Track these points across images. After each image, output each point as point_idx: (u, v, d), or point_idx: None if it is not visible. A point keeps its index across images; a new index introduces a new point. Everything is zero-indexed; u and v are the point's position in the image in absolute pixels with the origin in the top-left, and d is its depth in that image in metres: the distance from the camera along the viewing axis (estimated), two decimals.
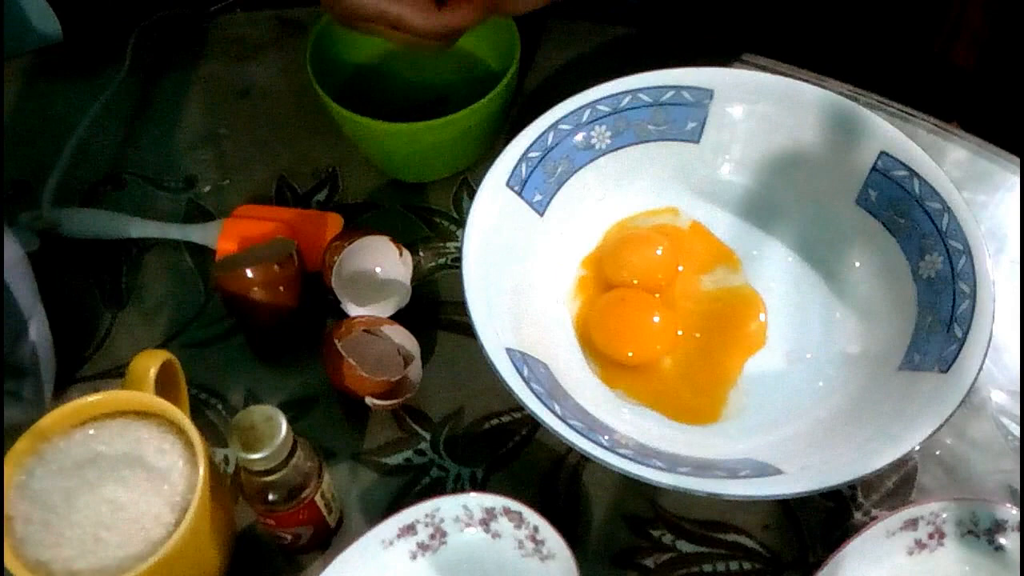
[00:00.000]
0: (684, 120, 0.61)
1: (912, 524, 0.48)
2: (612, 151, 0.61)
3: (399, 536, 0.49)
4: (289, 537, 0.50)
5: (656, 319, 0.58)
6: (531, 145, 0.58)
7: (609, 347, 0.57)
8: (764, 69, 0.69)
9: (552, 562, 0.48)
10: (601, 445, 0.47)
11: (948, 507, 0.48)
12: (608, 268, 0.60)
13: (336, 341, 0.54)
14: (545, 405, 0.49)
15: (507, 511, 0.49)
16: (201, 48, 0.78)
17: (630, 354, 0.57)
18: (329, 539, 0.53)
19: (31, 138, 0.72)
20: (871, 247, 0.58)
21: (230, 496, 0.51)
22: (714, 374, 0.56)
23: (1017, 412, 0.56)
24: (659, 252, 0.60)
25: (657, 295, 0.59)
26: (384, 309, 0.59)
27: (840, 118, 0.58)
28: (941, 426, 0.47)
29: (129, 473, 0.45)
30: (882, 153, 0.57)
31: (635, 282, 0.59)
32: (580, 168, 0.60)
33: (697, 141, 0.62)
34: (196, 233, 0.64)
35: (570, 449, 0.51)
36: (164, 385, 0.51)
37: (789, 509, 0.53)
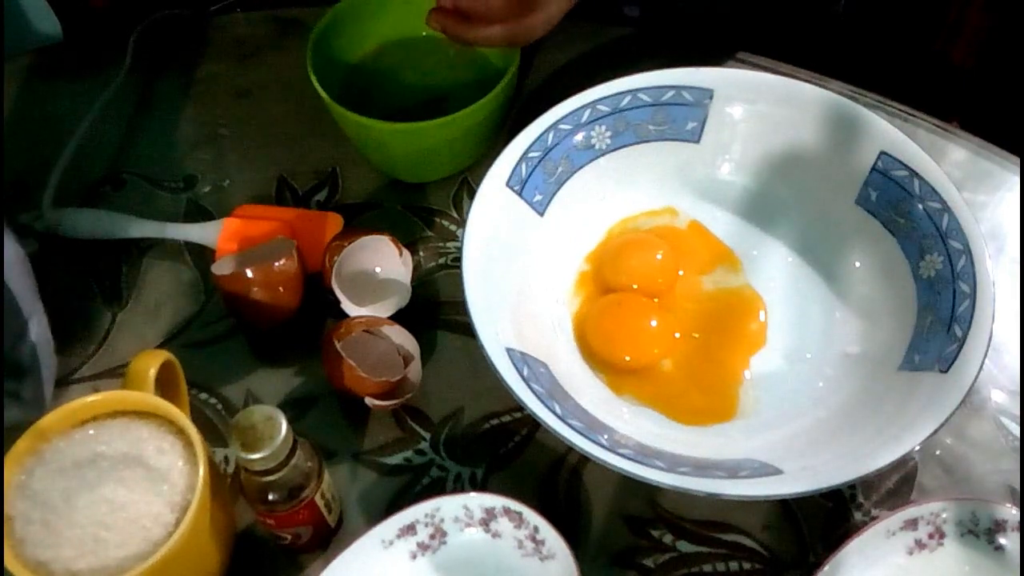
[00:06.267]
0: (684, 120, 0.61)
1: (912, 524, 0.48)
2: (612, 151, 0.61)
3: (399, 536, 0.49)
4: (289, 537, 0.50)
5: (653, 323, 0.58)
6: (531, 145, 0.58)
7: (606, 352, 0.57)
8: (764, 69, 0.69)
9: (552, 562, 0.48)
10: (601, 445, 0.47)
11: (948, 507, 0.48)
12: (608, 272, 0.60)
13: (336, 341, 0.54)
14: (545, 405, 0.49)
15: (507, 511, 0.49)
16: (201, 48, 0.78)
17: (627, 358, 0.57)
18: (329, 539, 0.52)
19: (31, 138, 0.72)
20: (871, 247, 0.58)
21: (230, 496, 0.51)
22: (718, 374, 0.56)
23: (1017, 412, 0.56)
24: (659, 256, 0.60)
25: (656, 299, 0.59)
26: (384, 309, 0.59)
27: (840, 118, 0.58)
28: (941, 426, 0.47)
29: (129, 473, 0.45)
30: (882, 153, 0.57)
31: (635, 287, 0.59)
32: (580, 168, 0.60)
33: (697, 141, 0.61)
34: (196, 233, 0.64)
35: (570, 449, 0.51)
36: (164, 385, 0.51)
37: (789, 509, 0.53)
